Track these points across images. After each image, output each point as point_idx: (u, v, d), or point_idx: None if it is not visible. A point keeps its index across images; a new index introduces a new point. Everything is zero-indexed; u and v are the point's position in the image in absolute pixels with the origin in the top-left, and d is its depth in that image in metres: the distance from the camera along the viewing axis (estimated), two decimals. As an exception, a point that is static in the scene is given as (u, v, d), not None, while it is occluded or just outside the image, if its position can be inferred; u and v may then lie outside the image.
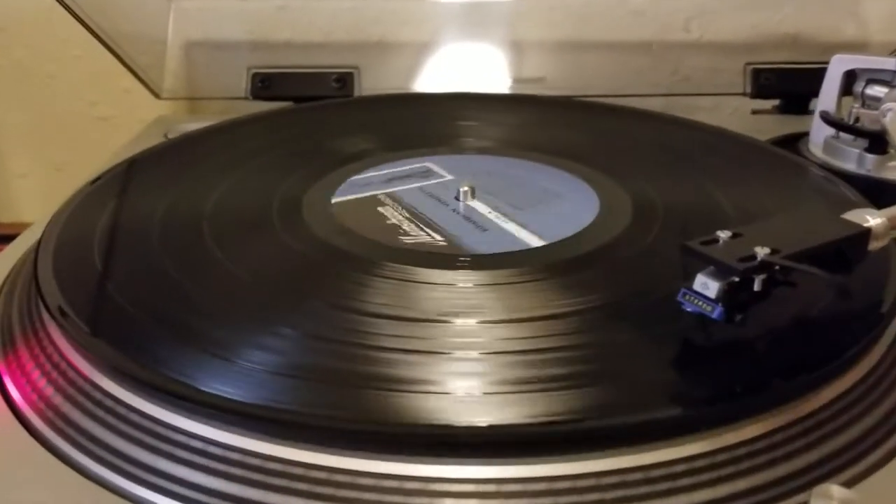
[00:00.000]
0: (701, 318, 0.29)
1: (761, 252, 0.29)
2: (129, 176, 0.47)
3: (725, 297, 0.29)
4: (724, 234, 0.30)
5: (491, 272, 0.36)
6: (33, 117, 0.77)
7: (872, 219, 0.33)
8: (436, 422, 0.28)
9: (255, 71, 0.66)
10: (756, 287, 0.29)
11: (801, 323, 0.32)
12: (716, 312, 0.29)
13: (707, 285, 0.29)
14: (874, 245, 0.33)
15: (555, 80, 0.72)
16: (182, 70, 0.68)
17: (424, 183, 0.46)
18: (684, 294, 0.30)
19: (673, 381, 0.30)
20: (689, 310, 0.30)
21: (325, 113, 0.59)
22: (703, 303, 0.29)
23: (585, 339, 0.32)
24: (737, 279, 0.29)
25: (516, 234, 0.40)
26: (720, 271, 0.29)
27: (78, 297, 0.34)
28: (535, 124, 0.57)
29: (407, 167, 0.49)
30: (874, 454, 0.29)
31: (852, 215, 0.33)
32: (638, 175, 0.46)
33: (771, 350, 0.31)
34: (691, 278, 0.29)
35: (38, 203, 0.79)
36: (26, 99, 0.76)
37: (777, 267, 0.29)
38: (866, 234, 0.32)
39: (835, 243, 0.31)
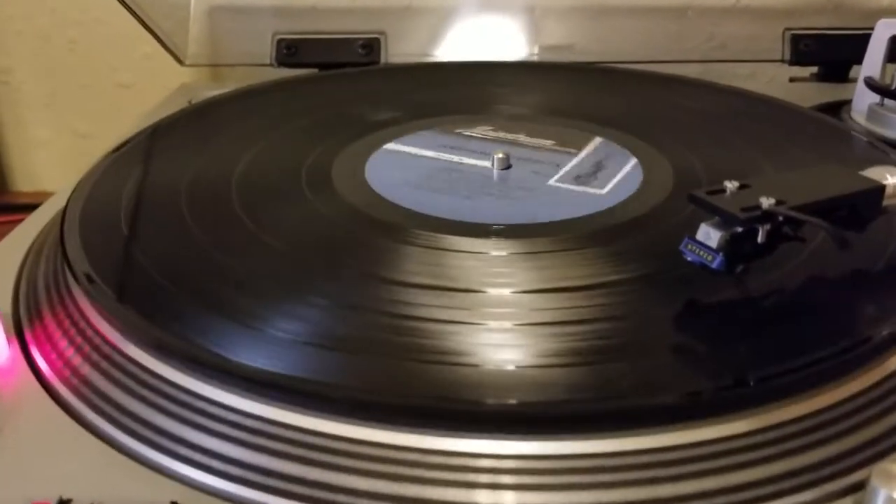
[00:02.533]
0: (703, 267, 0.29)
1: (766, 202, 0.28)
2: (153, 143, 0.46)
3: (727, 246, 0.28)
4: (731, 185, 0.30)
5: (526, 241, 0.35)
6: (55, 84, 0.76)
7: (894, 177, 0.31)
8: (465, 397, 0.27)
9: (280, 37, 0.65)
10: (760, 238, 0.28)
11: (855, 298, 0.31)
12: (716, 262, 0.28)
13: (709, 235, 0.29)
14: (892, 202, 0.31)
15: (585, 46, 0.70)
16: (205, 36, 0.67)
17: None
18: (687, 244, 0.29)
19: (720, 359, 0.28)
20: (690, 259, 0.29)
21: (350, 81, 0.58)
22: (705, 252, 0.29)
23: (624, 310, 0.31)
24: (740, 229, 0.28)
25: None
26: (724, 221, 0.28)
27: (105, 264, 0.33)
28: (567, 92, 0.55)
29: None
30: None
31: (873, 172, 0.32)
32: (679, 143, 0.45)
33: (820, 324, 0.30)
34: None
35: (60, 172, 0.78)
36: (48, 66, 0.75)
37: (781, 217, 0.28)
38: (879, 190, 0.31)
39: (845, 198, 0.30)
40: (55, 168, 0.79)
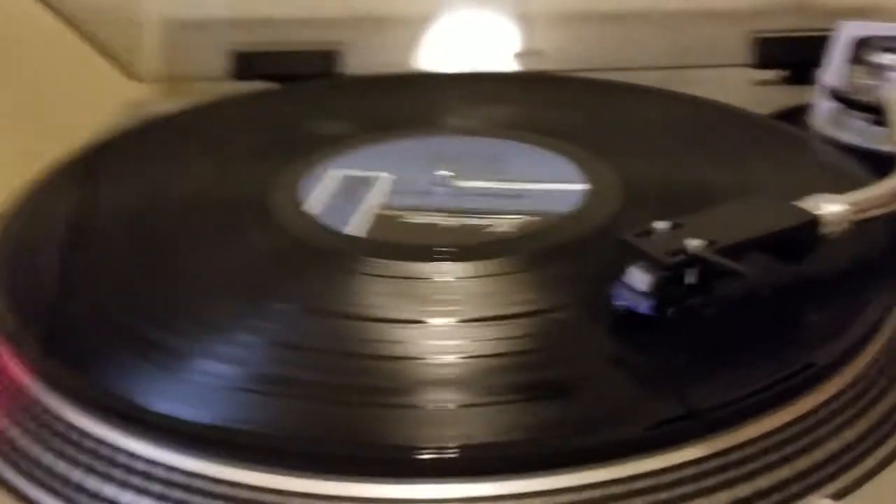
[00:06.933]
0: (633, 312, 0.28)
1: (692, 245, 0.28)
2: (86, 167, 0.45)
3: (656, 291, 0.28)
4: (662, 225, 0.29)
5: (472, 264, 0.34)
6: (8, 104, 0.75)
7: (831, 206, 0.31)
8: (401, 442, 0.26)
9: (235, 50, 0.64)
10: (691, 280, 0.28)
11: (787, 325, 0.30)
12: (643, 307, 0.28)
13: (639, 278, 0.28)
14: (831, 231, 0.31)
15: (553, 53, 0.69)
16: (160, 50, 0.65)
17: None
18: (618, 287, 0.29)
19: (651, 393, 0.28)
20: (619, 303, 0.29)
21: (304, 95, 0.57)
22: (634, 296, 0.28)
23: (563, 342, 0.30)
24: (667, 273, 0.28)
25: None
26: (652, 265, 0.28)
27: (20, 300, 0.33)
28: (526, 103, 0.54)
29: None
30: (865, 463, 0.27)
31: (809, 202, 0.31)
32: (630, 155, 0.44)
33: (752, 355, 0.29)
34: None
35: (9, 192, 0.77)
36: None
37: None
38: (813, 222, 0.31)
39: (778, 234, 0.30)
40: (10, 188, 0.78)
